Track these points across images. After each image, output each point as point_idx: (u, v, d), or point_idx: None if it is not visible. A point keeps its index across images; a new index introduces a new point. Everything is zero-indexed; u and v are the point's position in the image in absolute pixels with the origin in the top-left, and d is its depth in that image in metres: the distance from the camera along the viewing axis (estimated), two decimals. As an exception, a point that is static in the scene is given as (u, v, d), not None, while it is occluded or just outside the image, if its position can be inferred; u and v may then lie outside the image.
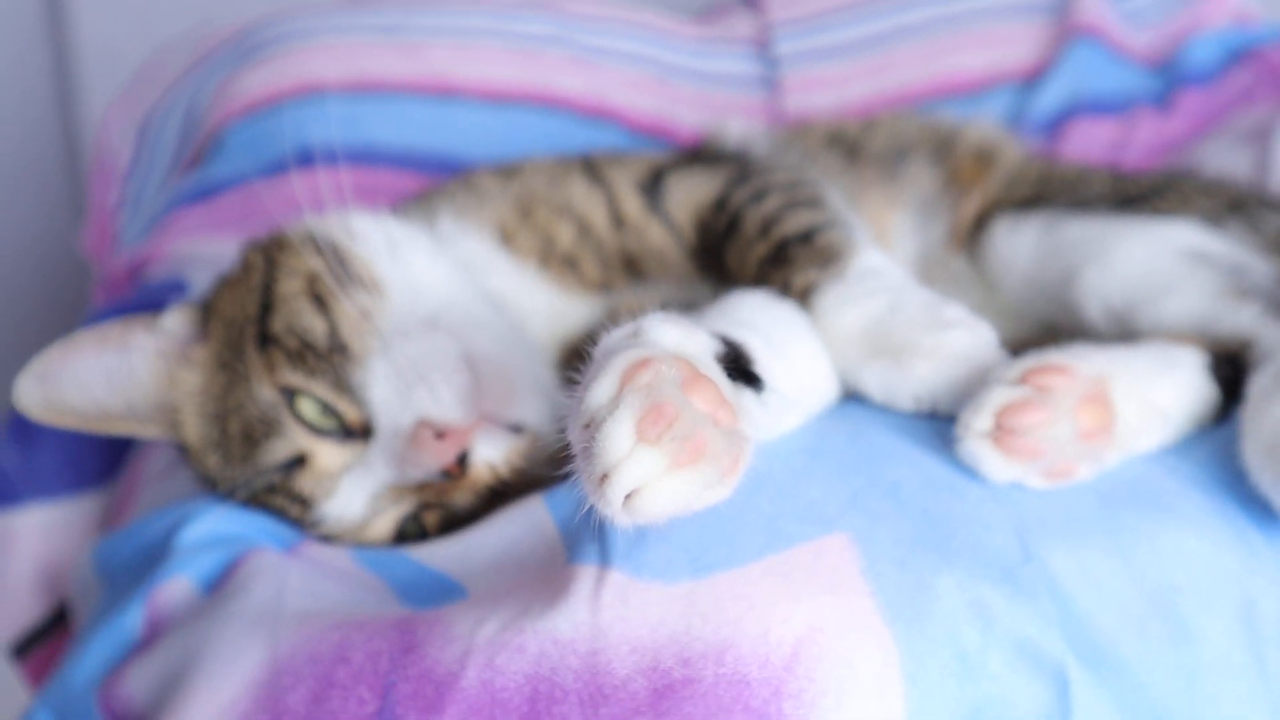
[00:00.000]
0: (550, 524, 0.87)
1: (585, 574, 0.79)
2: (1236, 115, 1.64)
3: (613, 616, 0.77)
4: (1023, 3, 1.79)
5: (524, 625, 0.77)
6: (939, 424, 0.90)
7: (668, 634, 0.77)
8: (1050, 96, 1.67)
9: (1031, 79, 1.70)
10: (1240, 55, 1.71)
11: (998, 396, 0.85)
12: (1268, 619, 0.82)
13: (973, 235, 1.24)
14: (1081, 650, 0.79)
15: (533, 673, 0.76)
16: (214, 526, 0.94)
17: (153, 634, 0.88)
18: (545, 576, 0.82)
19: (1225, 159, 1.51)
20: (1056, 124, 1.66)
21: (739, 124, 1.38)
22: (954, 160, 1.31)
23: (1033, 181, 1.27)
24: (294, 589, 0.86)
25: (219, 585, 0.89)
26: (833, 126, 1.38)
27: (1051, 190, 1.23)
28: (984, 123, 1.39)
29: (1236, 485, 0.87)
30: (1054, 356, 0.88)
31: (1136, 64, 1.74)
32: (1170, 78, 1.72)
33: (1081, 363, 0.88)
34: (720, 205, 1.12)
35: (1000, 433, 0.84)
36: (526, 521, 0.88)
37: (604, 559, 0.80)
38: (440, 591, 0.86)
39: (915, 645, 0.77)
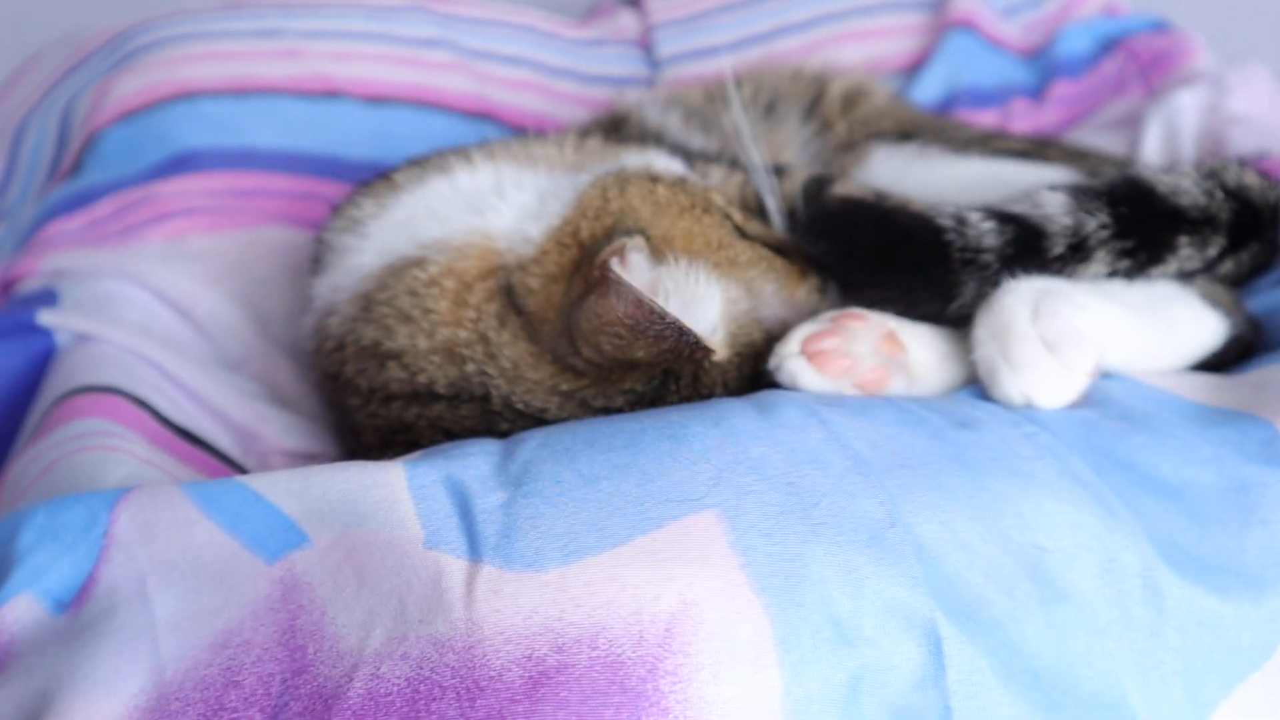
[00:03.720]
0: (404, 492, 0.84)
1: (455, 569, 0.79)
2: (1107, 104, 1.68)
3: (487, 610, 0.77)
4: None
5: (406, 632, 0.77)
6: (804, 406, 0.91)
7: (541, 622, 0.77)
8: (928, 89, 1.70)
9: (910, 72, 1.73)
10: (1109, 45, 1.75)
11: (804, 329, 0.99)
12: (1129, 574, 0.84)
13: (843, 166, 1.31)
14: (952, 609, 0.80)
15: (414, 675, 0.76)
16: (51, 520, 0.89)
17: (1, 658, 0.83)
18: (398, 550, 0.80)
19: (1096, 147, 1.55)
20: (935, 115, 1.69)
21: (634, 94, 1.43)
22: (823, 111, 1.37)
23: (905, 120, 1.35)
24: (155, 590, 0.82)
25: (76, 604, 0.84)
26: (707, 88, 1.42)
27: (927, 129, 1.31)
28: (851, 74, 1.45)
29: (1088, 450, 0.90)
30: (855, 309, 1.01)
31: (1011, 55, 1.78)
32: (1043, 68, 1.76)
33: (875, 315, 1.01)
34: None
35: (810, 353, 0.97)
36: (378, 476, 0.86)
37: (474, 553, 0.80)
38: (277, 529, 0.83)
39: (787, 613, 0.78)
